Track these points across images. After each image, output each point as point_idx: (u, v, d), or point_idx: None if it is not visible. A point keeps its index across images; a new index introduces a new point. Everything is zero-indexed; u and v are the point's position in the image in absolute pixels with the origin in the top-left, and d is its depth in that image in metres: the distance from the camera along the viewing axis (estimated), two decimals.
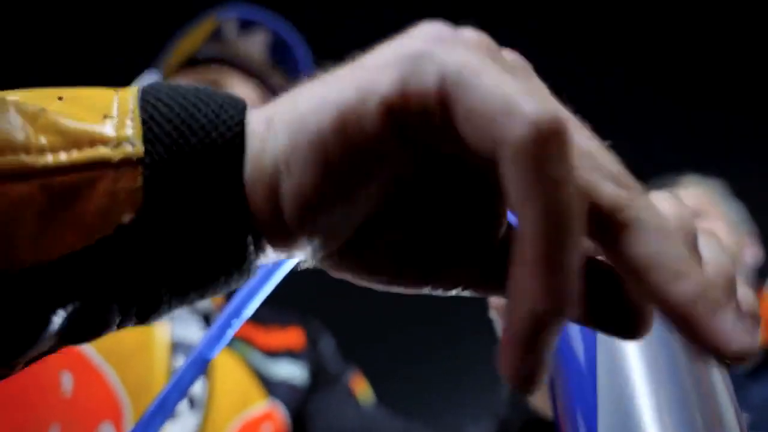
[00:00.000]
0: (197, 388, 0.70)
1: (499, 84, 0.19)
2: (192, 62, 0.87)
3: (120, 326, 0.23)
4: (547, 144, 0.18)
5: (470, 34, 0.21)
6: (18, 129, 0.21)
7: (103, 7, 2.50)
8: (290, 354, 0.84)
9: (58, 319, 0.22)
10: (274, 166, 0.22)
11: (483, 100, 0.19)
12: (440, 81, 0.20)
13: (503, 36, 0.26)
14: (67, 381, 0.60)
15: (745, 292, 0.25)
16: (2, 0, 2.38)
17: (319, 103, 0.21)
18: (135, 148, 0.22)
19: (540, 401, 0.57)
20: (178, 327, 0.73)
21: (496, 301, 0.35)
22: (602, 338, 0.31)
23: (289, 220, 0.22)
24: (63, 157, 0.21)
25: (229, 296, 0.29)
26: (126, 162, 0.21)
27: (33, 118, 0.22)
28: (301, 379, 0.82)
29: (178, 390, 0.32)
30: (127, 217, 0.21)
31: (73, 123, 0.22)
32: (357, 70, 0.22)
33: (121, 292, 0.22)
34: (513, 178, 0.18)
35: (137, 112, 0.22)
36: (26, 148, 0.21)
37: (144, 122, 0.22)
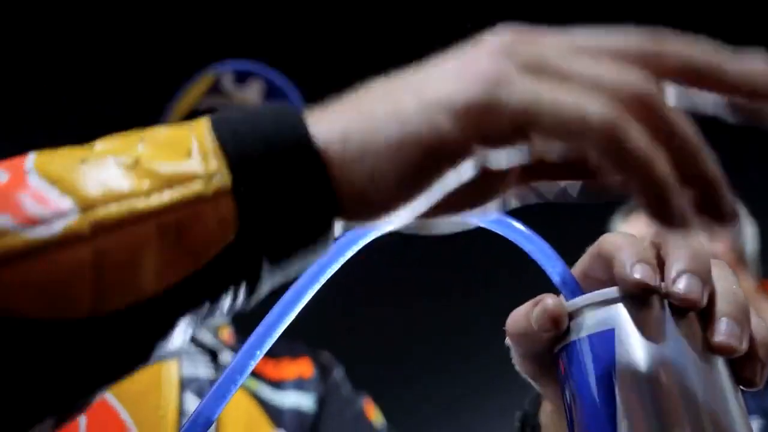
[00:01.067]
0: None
1: (564, 102, 0.24)
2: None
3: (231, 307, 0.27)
4: (620, 133, 0.23)
5: (536, 46, 0.26)
6: (122, 178, 0.25)
7: (104, 70, 2.56)
8: (299, 382, 0.85)
9: (177, 330, 0.26)
10: (360, 181, 0.26)
11: (555, 122, 0.24)
12: (514, 122, 0.24)
13: None
14: (81, 421, 0.62)
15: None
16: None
17: (400, 131, 0.25)
18: (223, 178, 0.25)
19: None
20: (186, 364, 0.75)
21: (512, 328, 0.35)
22: (621, 368, 0.31)
23: (374, 212, 0.27)
24: (166, 197, 0.25)
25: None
26: (219, 194, 0.25)
27: (131, 166, 0.25)
28: (308, 406, 0.83)
29: None
30: (228, 239, 0.25)
31: (165, 165, 0.26)
32: (431, 87, 0.26)
33: (229, 287, 0.26)
34: (612, 168, 0.24)
35: (217, 144, 0.26)
36: (136, 195, 0.25)
37: (225, 153, 0.26)
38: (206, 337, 0.81)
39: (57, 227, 0.24)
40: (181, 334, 0.27)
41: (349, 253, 0.34)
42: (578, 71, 0.25)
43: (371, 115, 0.26)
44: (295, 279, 0.34)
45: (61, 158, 0.26)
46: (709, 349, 0.31)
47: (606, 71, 0.25)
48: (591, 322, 0.32)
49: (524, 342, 0.34)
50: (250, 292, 0.27)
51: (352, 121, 0.26)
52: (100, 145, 0.27)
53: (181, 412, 0.69)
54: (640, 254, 0.31)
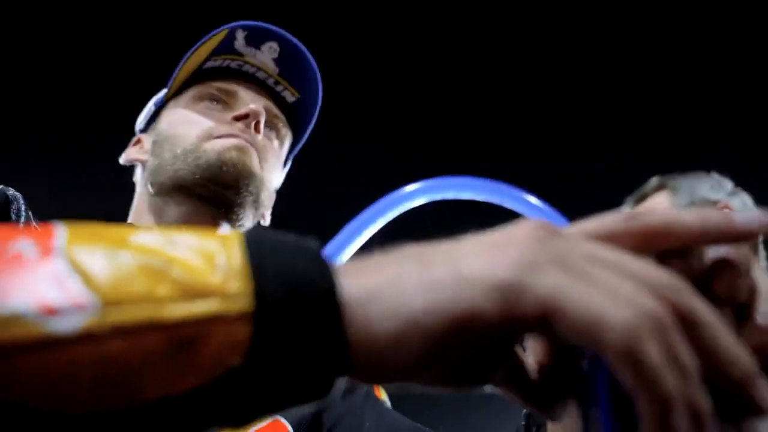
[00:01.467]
0: None
1: (589, 300, 0.24)
2: (199, 74, 0.87)
3: None
4: (638, 346, 0.23)
5: (566, 243, 0.27)
6: (147, 280, 0.25)
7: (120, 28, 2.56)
8: None
9: None
10: (381, 344, 0.26)
11: (577, 316, 0.24)
12: (539, 308, 0.25)
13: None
14: None
15: None
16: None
17: (434, 299, 0.25)
18: (246, 303, 0.25)
19: None
20: None
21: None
22: None
23: (386, 375, 0.27)
24: (185, 309, 0.24)
25: None
26: (239, 316, 0.25)
27: (159, 269, 0.25)
28: None
29: None
30: (236, 362, 0.25)
31: (190, 277, 0.25)
32: (465, 262, 0.26)
33: (223, 410, 0.25)
34: (621, 375, 0.24)
35: (246, 267, 0.26)
36: (157, 301, 0.24)
37: (252, 278, 0.25)
38: None
39: (75, 323, 0.24)
40: None
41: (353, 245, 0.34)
42: (605, 275, 0.26)
43: (403, 278, 0.26)
44: None
45: (91, 246, 0.26)
46: None
47: (631, 286, 0.25)
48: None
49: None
50: (237, 421, 0.26)
51: (383, 281, 0.26)
52: (136, 237, 0.26)
53: None
54: None
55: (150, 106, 0.93)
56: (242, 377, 0.25)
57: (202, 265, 0.25)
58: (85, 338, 0.23)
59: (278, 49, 0.87)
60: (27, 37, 2.62)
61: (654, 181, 1.49)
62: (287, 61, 0.88)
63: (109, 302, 0.24)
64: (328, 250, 0.33)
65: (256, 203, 0.83)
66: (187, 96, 0.87)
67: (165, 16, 2.58)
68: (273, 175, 0.87)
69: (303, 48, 0.89)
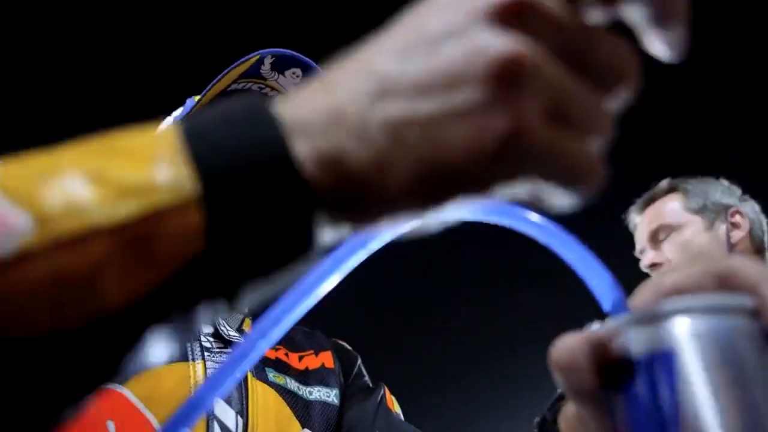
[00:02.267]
0: (235, 423, 0.73)
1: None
2: (223, 96, 0.88)
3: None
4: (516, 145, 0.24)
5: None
6: (83, 189, 0.24)
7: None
8: (322, 376, 0.86)
9: (152, 342, 0.25)
10: (362, 167, 0.24)
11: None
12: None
13: None
14: (111, 428, 0.63)
15: None
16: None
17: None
18: (190, 188, 0.24)
19: None
20: (211, 364, 0.76)
21: (557, 361, 0.32)
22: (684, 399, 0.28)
23: (374, 210, 0.25)
24: (127, 209, 0.24)
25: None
26: (184, 205, 0.24)
27: (94, 176, 0.24)
28: (333, 400, 0.85)
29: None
30: (198, 247, 0.24)
31: (128, 175, 0.24)
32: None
33: (204, 299, 0.25)
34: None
35: (183, 151, 0.24)
36: (96, 207, 0.24)
37: (194, 161, 0.24)
38: (231, 333, 0.82)
39: (11, 245, 0.23)
40: (161, 346, 0.25)
41: (365, 253, 0.32)
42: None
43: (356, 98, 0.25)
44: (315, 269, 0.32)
45: (22, 169, 0.25)
46: None
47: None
48: (647, 342, 0.29)
49: (570, 374, 0.31)
50: (230, 302, 0.25)
51: (348, 106, 0.25)
52: (64, 153, 0.26)
53: (207, 411, 0.69)
54: None
55: (167, 123, 0.94)
56: (211, 258, 0.24)
57: (140, 162, 0.24)
58: (27, 258, 0.23)
59: (301, 75, 0.89)
60: (31, 49, 2.64)
61: (665, 183, 1.50)
62: None
63: (45, 219, 0.23)
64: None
65: None
66: None
67: (173, 32, 2.62)
68: None
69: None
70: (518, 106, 0.24)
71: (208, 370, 0.74)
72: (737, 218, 1.44)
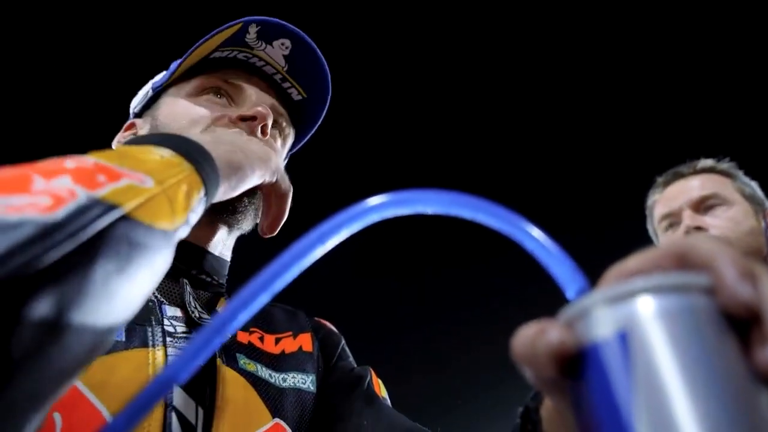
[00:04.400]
0: (196, 414, 0.68)
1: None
2: (205, 63, 0.85)
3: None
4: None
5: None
6: (158, 165, 0.49)
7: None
8: (298, 360, 0.83)
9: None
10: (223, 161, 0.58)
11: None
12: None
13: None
14: (58, 420, 0.58)
15: None
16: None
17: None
18: (190, 168, 0.51)
19: None
20: (172, 350, 0.70)
21: (517, 351, 0.33)
22: (641, 378, 0.28)
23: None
24: (168, 180, 0.48)
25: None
26: (193, 172, 0.51)
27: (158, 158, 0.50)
28: (308, 387, 0.81)
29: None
30: (200, 195, 0.51)
31: (168, 161, 0.51)
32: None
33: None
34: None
35: (180, 155, 0.52)
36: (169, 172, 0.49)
37: (183, 157, 0.52)
38: (203, 316, 0.77)
39: (147, 194, 0.45)
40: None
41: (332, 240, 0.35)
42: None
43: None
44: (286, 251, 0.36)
45: (115, 154, 0.49)
46: (755, 368, 0.28)
47: None
48: (605, 325, 0.29)
49: (531, 366, 0.33)
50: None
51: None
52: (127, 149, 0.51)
53: (166, 399, 0.65)
54: (743, 268, 0.29)
55: (147, 89, 0.90)
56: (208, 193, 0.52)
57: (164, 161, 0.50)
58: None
59: (290, 46, 0.86)
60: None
61: (712, 162, 1.51)
62: (298, 59, 0.87)
63: (155, 179, 0.47)
64: (294, 248, 0.36)
65: (257, 210, 0.82)
66: (190, 85, 0.85)
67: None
68: None
69: (315, 47, 0.87)
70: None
71: (169, 357, 0.69)
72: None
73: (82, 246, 0.37)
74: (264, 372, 0.78)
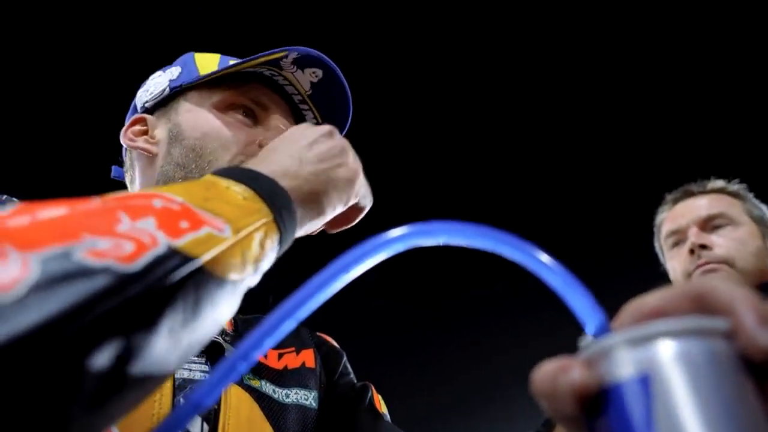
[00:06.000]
0: (201, 429, 0.69)
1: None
2: (233, 77, 0.84)
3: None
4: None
5: None
6: (234, 209, 0.50)
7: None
8: (301, 376, 0.83)
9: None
10: (304, 193, 0.61)
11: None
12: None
13: None
14: None
15: None
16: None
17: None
18: (269, 215, 0.52)
19: None
20: (180, 369, 0.71)
21: (537, 387, 0.33)
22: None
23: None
24: (253, 221, 0.50)
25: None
26: (270, 221, 0.52)
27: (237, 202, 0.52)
28: (311, 403, 0.81)
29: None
30: (274, 243, 0.52)
31: (244, 205, 0.52)
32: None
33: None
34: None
35: (261, 200, 0.53)
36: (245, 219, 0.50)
37: (264, 201, 0.53)
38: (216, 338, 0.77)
39: (225, 244, 0.46)
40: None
41: (347, 276, 0.36)
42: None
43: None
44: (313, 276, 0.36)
45: (195, 193, 0.50)
46: None
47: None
48: (626, 366, 0.30)
49: (551, 402, 0.32)
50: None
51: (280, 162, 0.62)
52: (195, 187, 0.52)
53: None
54: (762, 313, 0.29)
55: (163, 85, 0.87)
56: (283, 240, 0.54)
57: (241, 203, 0.52)
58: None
59: (320, 75, 0.86)
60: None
61: (722, 183, 1.51)
62: (324, 87, 0.87)
63: (231, 225, 0.48)
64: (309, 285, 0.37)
65: None
66: (216, 97, 0.83)
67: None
68: None
69: (344, 82, 0.87)
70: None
71: (177, 374, 0.70)
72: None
73: (154, 297, 0.36)
74: (267, 387, 0.78)
